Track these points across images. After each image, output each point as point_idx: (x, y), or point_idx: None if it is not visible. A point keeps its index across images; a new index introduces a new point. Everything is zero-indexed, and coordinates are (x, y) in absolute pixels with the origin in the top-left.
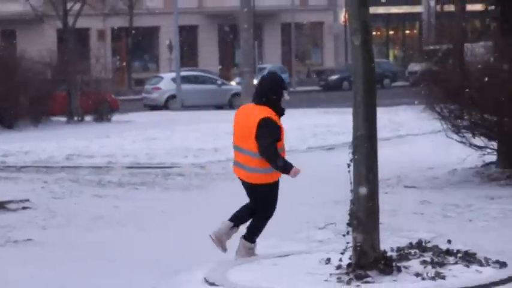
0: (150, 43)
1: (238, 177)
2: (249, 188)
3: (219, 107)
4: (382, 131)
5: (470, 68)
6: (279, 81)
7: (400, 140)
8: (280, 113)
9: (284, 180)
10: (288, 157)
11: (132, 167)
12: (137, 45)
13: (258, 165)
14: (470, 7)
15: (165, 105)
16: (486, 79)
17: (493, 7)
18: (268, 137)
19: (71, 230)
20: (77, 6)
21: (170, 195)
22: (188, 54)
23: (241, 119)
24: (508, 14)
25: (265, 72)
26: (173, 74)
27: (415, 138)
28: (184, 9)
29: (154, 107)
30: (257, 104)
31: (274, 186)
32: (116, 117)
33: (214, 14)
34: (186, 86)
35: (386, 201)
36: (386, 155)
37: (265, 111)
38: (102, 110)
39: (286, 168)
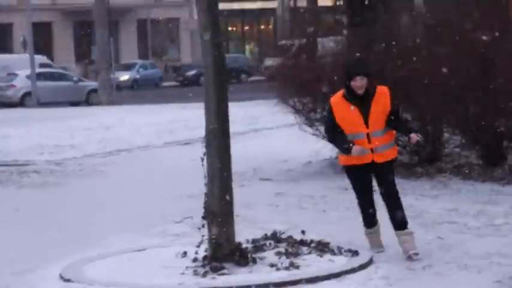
0: (4, 40)
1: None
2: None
3: (75, 103)
4: (238, 125)
5: (323, 62)
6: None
7: (256, 134)
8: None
9: (139, 174)
10: (144, 152)
11: None
12: None
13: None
14: (321, 2)
15: (21, 103)
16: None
17: (341, 2)
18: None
19: None
20: None
21: (25, 193)
22: (43, 51)
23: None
24: (355, 8)
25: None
26: (28, 71)
27: (270, 132)
28: (38, 5)
29: (9, 104)
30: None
31: None
32: None
33: (68, 10)
34: (41, 83)
35: (241, 194)
36: (242, 149)
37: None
38: None
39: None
